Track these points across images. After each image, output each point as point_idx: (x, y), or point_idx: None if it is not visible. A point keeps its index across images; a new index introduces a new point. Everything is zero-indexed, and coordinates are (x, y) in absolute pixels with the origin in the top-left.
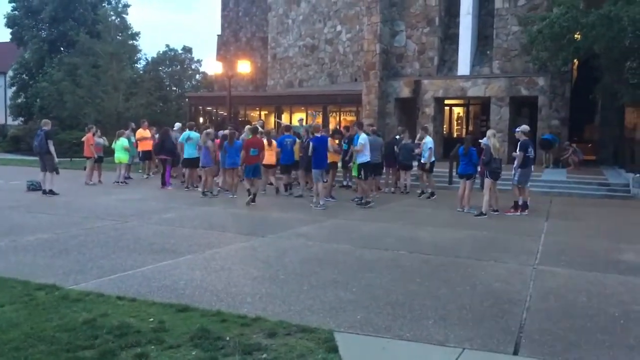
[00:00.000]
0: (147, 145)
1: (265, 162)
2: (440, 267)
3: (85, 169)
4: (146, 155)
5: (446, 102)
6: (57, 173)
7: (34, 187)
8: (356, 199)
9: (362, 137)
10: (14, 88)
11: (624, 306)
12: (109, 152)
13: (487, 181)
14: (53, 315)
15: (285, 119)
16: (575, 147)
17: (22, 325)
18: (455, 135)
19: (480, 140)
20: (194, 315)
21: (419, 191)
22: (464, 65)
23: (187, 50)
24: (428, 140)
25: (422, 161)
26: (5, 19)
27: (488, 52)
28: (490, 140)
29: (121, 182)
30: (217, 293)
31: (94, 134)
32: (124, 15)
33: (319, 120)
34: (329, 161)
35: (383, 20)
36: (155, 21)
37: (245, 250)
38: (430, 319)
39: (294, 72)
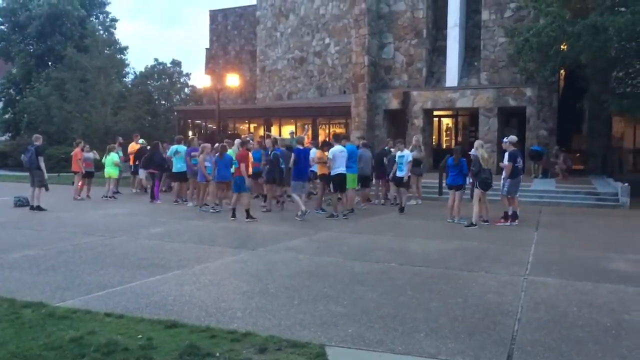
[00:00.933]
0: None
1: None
2: (431, 279)
3: (73, 184)
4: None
5: (435, 113)
6: (47, 189)
7: (21, 203)
8: (346, 211)
9: (331, 150)
10: (0, 103)
11: (615, 315)
12: (101, 166)
13: (477, 192)
14: (39, 334)
15: (274, 131)
16: (565, 154)
17: (8, 344)
18: (444, 146)
19: (469, 152)
20: (183, 331)
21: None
22: (452, 77)
23: (176, 64)
24: (407, 154)
25: (399, 175)
26: None
27: (476, 63)
28: (479, 151)
29: (110, 197)
30: (206, 308)
31: (82, 149)
32: (112, 30)
33: (309, 134)
34: (319, 173)
35: (371, 32)
36: (144, 35)
37: (235, 264)
38: (421, 331)
39: (283, 84)
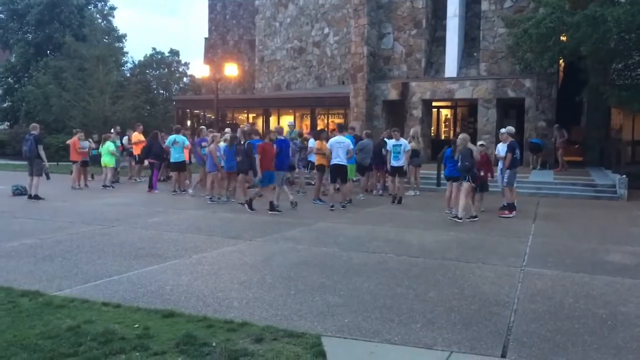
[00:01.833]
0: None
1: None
2: (428, 270)
3: (71, 173)
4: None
5: (434, 104)
6: (48, 178)
7: (19, 192)
8: (344, 202)
9: (330, 141)
10: None
11: (611, 307)
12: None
13: (466, 185)
14: (36, 322)
15: (273, 122)
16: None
17: (4, 333)
18: (443, 137)
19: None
20: (179, 321)
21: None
22: (451, 67)
23: (174, 53)
24: (404, 143)
25: (394, 164)
26: None
27: (475, 54)
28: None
29: (108, 186)
30: (203, 298)
31: (80, 138)
32: (110, 18)
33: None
34: (317, 163)
35: (370, 22)
36: (142, 24)
37: (233, 254)
38: (418, 322)
39: (282, 74)
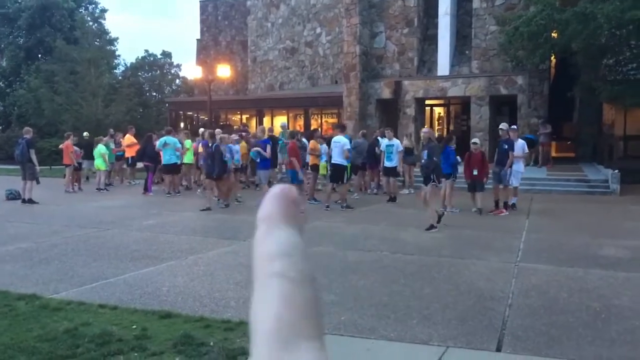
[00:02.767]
0: (134, 152)
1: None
2: (424, 267)
3: (65, 176)
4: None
5: (427, 102)
6: (38, 182)
7: (12, 196)
8: (338, 202)
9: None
10: None
11: (605, 301)
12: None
13: (430, 187)
14: (34, 325)
15: (267, 122)
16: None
17: (2, 336)
18: (436, 135)
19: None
20: (177, 321)
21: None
22: (443, 66)
23: (166, 55)
24: (396, 143)
25: (390, 165)
26: None
27: (467, 52)
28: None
29: (102, 189)
30: (200, 299)
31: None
32: (101, 21)
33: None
34: (310, 164)
35: (362, 22)
36: (134, 27)
37: (228, 254)
38: (414, 318)
39: (275, 75)
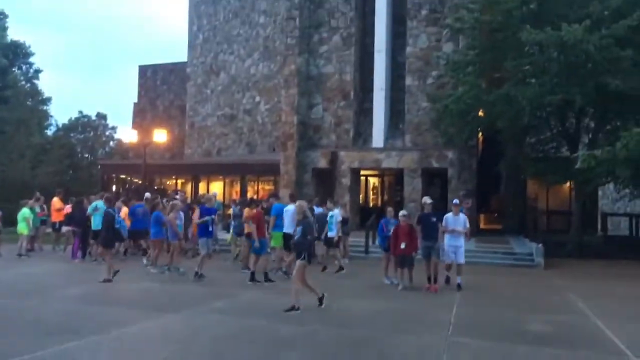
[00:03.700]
0: (62, 216)
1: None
2: (357, 343)
3: None
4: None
5: (362, 172)
6: None
7: None
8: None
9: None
10: None
11: None
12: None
13: (301, 263)
14: None
15: (202, 188)
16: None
17: None
18: (371, 204)
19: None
20: None
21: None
22: (378, 138)
23: (102, 116)
24: (336, 213)
25: (331, 235)
26: None
27: (400, 125)
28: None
29: (23, 255)
30: None
31: None
32: (35, 81)
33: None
34: (245, 232)
35: (300, 93)
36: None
37: (157, 328)
38: None
39: (212, 141)
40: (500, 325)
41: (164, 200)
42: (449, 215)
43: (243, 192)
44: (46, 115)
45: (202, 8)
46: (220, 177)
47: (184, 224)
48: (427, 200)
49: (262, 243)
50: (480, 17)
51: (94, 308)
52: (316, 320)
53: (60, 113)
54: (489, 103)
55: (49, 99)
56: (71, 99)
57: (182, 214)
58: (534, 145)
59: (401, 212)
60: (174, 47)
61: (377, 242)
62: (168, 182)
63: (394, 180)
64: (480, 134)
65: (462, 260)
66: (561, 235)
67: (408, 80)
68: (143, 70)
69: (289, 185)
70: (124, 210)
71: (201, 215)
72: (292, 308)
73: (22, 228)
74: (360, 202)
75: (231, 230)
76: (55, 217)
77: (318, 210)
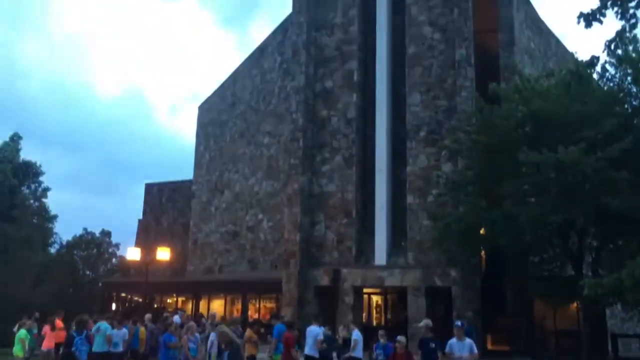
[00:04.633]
0: (62, 338)
1: None
2: None
3: None
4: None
5: (365, 290)
6: None
7: None
8: None
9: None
10: None
11: None
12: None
13: None
14: None
15: (203, 306)
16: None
17: None
18: (374, 323)
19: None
20: None
21: None
22: (380, 256)
23: (106, 234)
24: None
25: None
26: None
27: (403, 243)
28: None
29: None
30: None
31: None
32: (43, 199)
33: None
34: (247, 354)
35: (303, 211)
36: (77, 203)
37: None
38: None
39: (215, 257)
40: None
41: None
42: (453, 341)
43: (244, 310)
44: (51, 233)
45: (209, 129)
46: (222, 295)
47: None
48: (427, 323)
49: None
50: (478, 139)
51: None
52: None
53: (65, 229)
54: (490, 222)
55: (55, 217)
56: (77, 215)
57: (198, 336)
58: (538, 264)
59: (397, 338)
60: (180, 164)
61: None
62: (169, 300)
63: (397, 298)
64: (483, 252)
65: None
66: (571, 357)
67: (409, 199)
68: (149, 188)
69: (291, 304)
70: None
71: None
72: None
73: (18, 350)
74: (363, 320)
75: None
76: (57, 339)
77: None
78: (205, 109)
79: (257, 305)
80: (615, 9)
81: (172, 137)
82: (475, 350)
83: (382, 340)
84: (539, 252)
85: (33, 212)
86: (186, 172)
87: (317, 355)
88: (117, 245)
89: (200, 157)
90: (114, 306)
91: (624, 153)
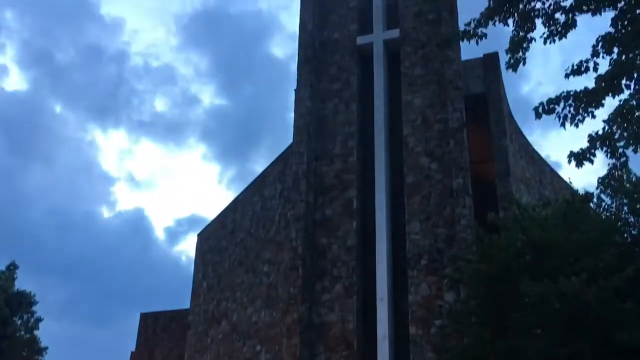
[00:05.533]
0: None
1: None
2: None
3: None
4: None
5: None
6: None
7: None
8: None
9: None
10: None
11: None
12: None
13: None
14: None
15: None
16: None
17: None
18: None
19: None
20: None
21: None
22: None
23: None
24: None
25: None
26: None
27: None
28: None
29: None
30: None
31: None
32: (35, 331)
33: None
34: None
35: (302, 342)
36: (68, 334)
37: None
38: None
39: None
40: None
41: None
42: None
43: None
44: None
45: (208, 256)
46: None
47: None
48: None
49: None
50: (479, 268)
51: None
52: None
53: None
54: (496, 355)
55: (45, 349)
56: (68, 347)
57: None
58: None
59: None
60: (178, 290)
61: None
62: None
63: None
64: None
65: None
66: None
67: (412, 329)
68: (144, 317)
69: None
70: None
71: None
72: None
73: None
74: None
75: None
76: None
77: None
78: (205, 237)
79: None
80: (605, 148)
81: (170, 263)
82: None
83: None
84: None
85: (22, 344)
86: (184, 300)
87: None
88: None
89: (198, 286)
90: None
91: (627, 283)
